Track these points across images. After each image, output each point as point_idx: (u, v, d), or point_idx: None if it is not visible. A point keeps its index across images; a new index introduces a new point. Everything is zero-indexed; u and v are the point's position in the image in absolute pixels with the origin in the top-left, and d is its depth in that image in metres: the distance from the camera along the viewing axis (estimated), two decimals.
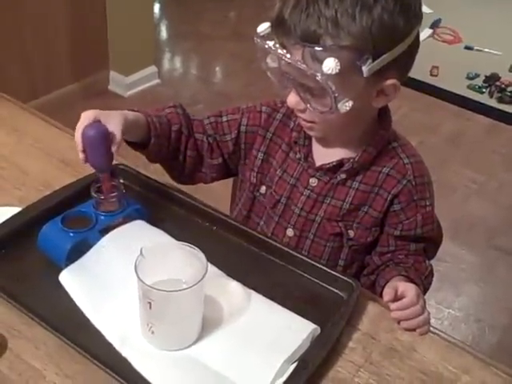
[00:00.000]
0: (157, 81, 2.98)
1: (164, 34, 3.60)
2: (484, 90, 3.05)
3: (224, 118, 1.08)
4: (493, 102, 3.00)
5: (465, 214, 2.33)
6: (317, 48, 0.84)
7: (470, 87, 3.07)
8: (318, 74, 0.84)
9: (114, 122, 0.93)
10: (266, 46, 0.90)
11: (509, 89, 3.04)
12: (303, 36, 0.85)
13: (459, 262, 2.13)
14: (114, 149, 0.92)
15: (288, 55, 0.87)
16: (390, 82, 0.91)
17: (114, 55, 2.82)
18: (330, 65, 0.83)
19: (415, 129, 2.62)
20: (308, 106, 0.92)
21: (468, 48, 3.38)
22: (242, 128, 1.07)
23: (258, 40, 0.92)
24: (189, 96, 2.94)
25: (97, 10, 2.67)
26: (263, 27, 0.92)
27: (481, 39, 3.36)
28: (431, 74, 3.12)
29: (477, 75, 3.14)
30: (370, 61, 0.85)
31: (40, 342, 0.82)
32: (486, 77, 3.11)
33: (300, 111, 0.96)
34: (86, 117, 0.92)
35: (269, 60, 0.94)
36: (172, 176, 1.11)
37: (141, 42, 2.81)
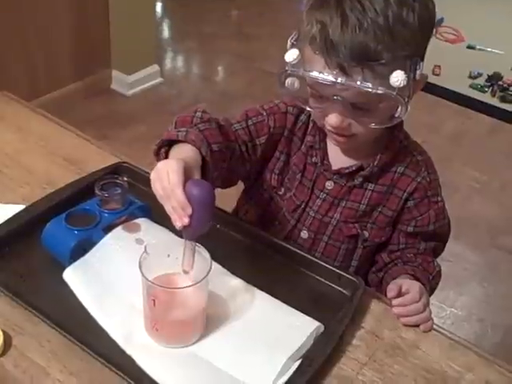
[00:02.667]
0: (159, 80, 2.98)
1: (166, 32, 3.60)
2: (486, 89, 3.05)
3: (250, 122, 1.02)
4: (495, 101, 3.00)
5: (468, 214, 2.32)
6: (379, 64, 0.82)
7: (472, 86, 3.07)
8: (390, 90, 0.82)
9: (197, 175, 0.80)
10: (311, 76, 0.86)
11: (511, 88, 3.04)
12: (361, 54, 0.82)
13: (462, 261, 2.13)
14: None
15: (344, 79, 0.83)
16: (421, 74, 0.88)
17: (116, 54, 2.82)
18: (400, 77, 0.82)
19: (417, 128, 2.58)
20: (364, 123, 0.89)
21: (470, 47, 3.37)
22: (271, 130, 1.02)
23: (294, 70, 0.87)
24: (191, 95, 2.95)
25: (99, 9, 2.68)
26: (293, 55, 0.87)
27: (483, 38, 3.35)
28: (433, 73, 3.11)
29: (479, 74, 3.13)
30: (421, 62, 0.86)
31: (44, 340, 0.82)
32: (488, 76, 3.11)
33: (343, 128, 0.91)
34: (174, 171, 0.76)
35: (290, 85, 0.90)
36: None
37: (143, 41, 2.81)
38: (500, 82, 3.07)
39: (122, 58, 2.82)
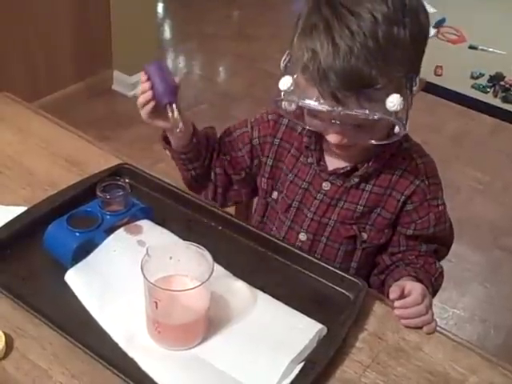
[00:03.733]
0: None
1: (167, 33, 3.60)
2: (488, 90, 3.05)
3: (234, 134, 1.09)
4: (497, 102, 2.99)
5: (470, 214, 2.32)
6: (373, 90, 0.82)
7: (474, 87, 3.07)
8: (387, 115, 0.82)
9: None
10: (306, 105, 0.86)
11: None
12: (354, 81, 0.82)
13: (464, 261, 2.13)
14: (177, 79, 0.94)
15: (339, 108, 0.83)
16: (420, 81, 0.89)
17: (118, 55, 2.82)
18: (396, 102, 0.82)
19: (419, 128, 2.57)
20: (363, 140, 0.89)
21: (472, 47, 3.36)
22: (255, 141, 1.07)
23: (290, 99, 0.87)
24: (192, 96, 2.94)
25: (100, 9, 2.67)
26: (287, 84, 0.86)
27: (485, 38, 3.34)
28: (435, 74, 3.11)
29: (481, 75, 3.13)
30: (416, 78, 0.85)
31: (46, 342, 0.82)
32: (490, 76, 3.10)
33: (343, 144, 0.92)
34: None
35: (287, 105, 0.91)
36: (208, 198, 1.11)
37: (144, 42, 2.80)
38: (502, 83, 3.06)
39: (123, 59, 2.82)
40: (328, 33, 0.82)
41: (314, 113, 0.90)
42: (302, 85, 0.87)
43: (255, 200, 1.14)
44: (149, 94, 0.95)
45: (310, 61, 0.84)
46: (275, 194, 1.07)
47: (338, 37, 0.82)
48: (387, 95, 0.82)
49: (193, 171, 1.07)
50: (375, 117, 0.82)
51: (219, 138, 1.11)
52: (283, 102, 0.91)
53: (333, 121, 0.87)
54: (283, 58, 0.90)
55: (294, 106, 0.92)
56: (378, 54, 0.81)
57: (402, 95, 0.82)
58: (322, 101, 0.84)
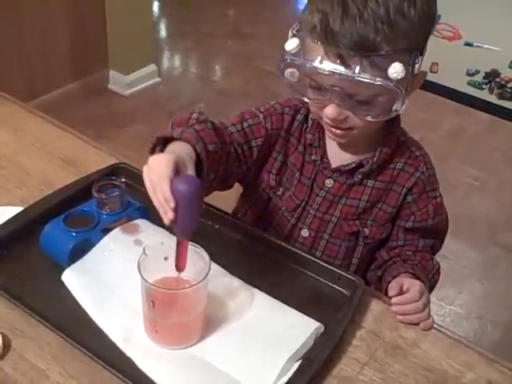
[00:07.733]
0: (157, 79, 2.98)
1: (164, 32, 3.60)
2: (484, 87, 3.05)
3: (245, 124, 1.02)
4: (493, 99, 3.00)
5: (466, 211, 2.32)
6: (377, 56, 0.82)
7: (470, 83, 3.07)
8: (388, 82, 0.82)
9: (191, 170, 0.80)
10: (309, 64, 0.85)
11: (509, 85, 3.04)
12: (361, 45, 0.82)
13: (461, 258, 2.13)
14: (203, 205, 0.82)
15: (342, 68, 0.83)
16: (420, 73, 0.89)
17: (114, 54, 2.82)
18: (398, 69, 0.82)
19: (415, 125, 2.58)
20: (361, 115, 0.88)
21: (468, 44, 3.37)
22: (269, 132, 1.02)
23: (293, 58, 0.87)
24: (189, 94, 2.94)
25: (96, 8, 2.67)
26: (293, 44, 0.87)
27: (481, 35, 3.35)
28: (431, 71, 3.11)
29: (477, 71, 3.13)
30: (420, 57, 0.85)
31: (43, 342, 0.82)
32: (486, 73, 3.11)
33: (340, 121, 0.91)
34: (164, 163, 0.75)
35: (289, 76, 0.90)
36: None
37: (140, 41, 2.80)
38: (497, 79, 3.07)
39: (119, 58, 2.82)
40: None
41: (315, 79, 0.88)
42: (308, 46, 0.87)
43: (256, 194, 1.08)
44: (169, 215, 0.75)
45: (319, 22, 0.84)
46: (281, 191, 1.05)
47: (350, 1, 0.83)
48: (389, 64, 0.82)
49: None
50: (376, 82, 0.82)
51: (234, 125, 1.01)
52: (286, 71, 0.90)
53: (334, 88, 0.86)
54: (292, 28, 0.90)
55: (296, 76, 0.90)
56: (386, 22, 0.82)
57: (404, 67, 0.83)
58: (326, 60, 0.84)
